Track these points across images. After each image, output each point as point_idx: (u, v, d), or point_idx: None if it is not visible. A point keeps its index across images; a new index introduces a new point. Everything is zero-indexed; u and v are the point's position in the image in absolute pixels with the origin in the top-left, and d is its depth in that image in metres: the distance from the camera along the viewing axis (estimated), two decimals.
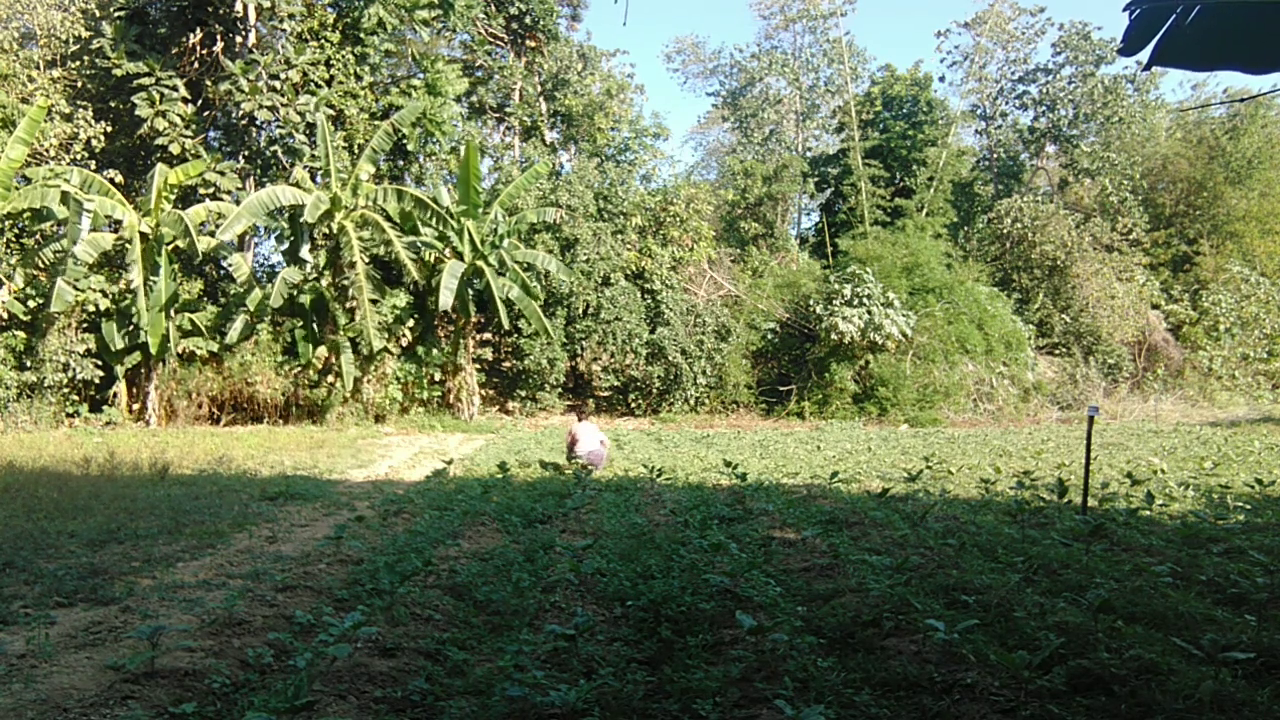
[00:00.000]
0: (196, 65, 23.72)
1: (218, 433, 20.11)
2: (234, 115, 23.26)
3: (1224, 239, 34.43)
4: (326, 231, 22.72)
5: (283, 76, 22.51)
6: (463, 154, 23.40)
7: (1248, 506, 9.63)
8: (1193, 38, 2.13)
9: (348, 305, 22.44)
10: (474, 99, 32.39)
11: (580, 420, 14.61)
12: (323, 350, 22.60)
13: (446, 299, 22.16)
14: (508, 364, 28.18)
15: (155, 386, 21.59)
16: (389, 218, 23.26)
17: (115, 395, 21.43)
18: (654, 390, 27.62)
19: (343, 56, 23.92)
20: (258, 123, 23.34)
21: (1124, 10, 2.32)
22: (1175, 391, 29.92)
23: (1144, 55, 2.22)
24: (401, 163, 26.19)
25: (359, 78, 24.39)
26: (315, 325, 22.69)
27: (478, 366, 26.88)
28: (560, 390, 28.09)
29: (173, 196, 21.70)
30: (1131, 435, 20.57)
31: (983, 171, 39.42)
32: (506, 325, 24.15)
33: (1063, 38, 37.24)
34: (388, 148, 23.40)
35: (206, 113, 24.08)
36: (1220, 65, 2.18)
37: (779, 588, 6.12)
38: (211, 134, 24.97)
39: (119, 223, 20.79)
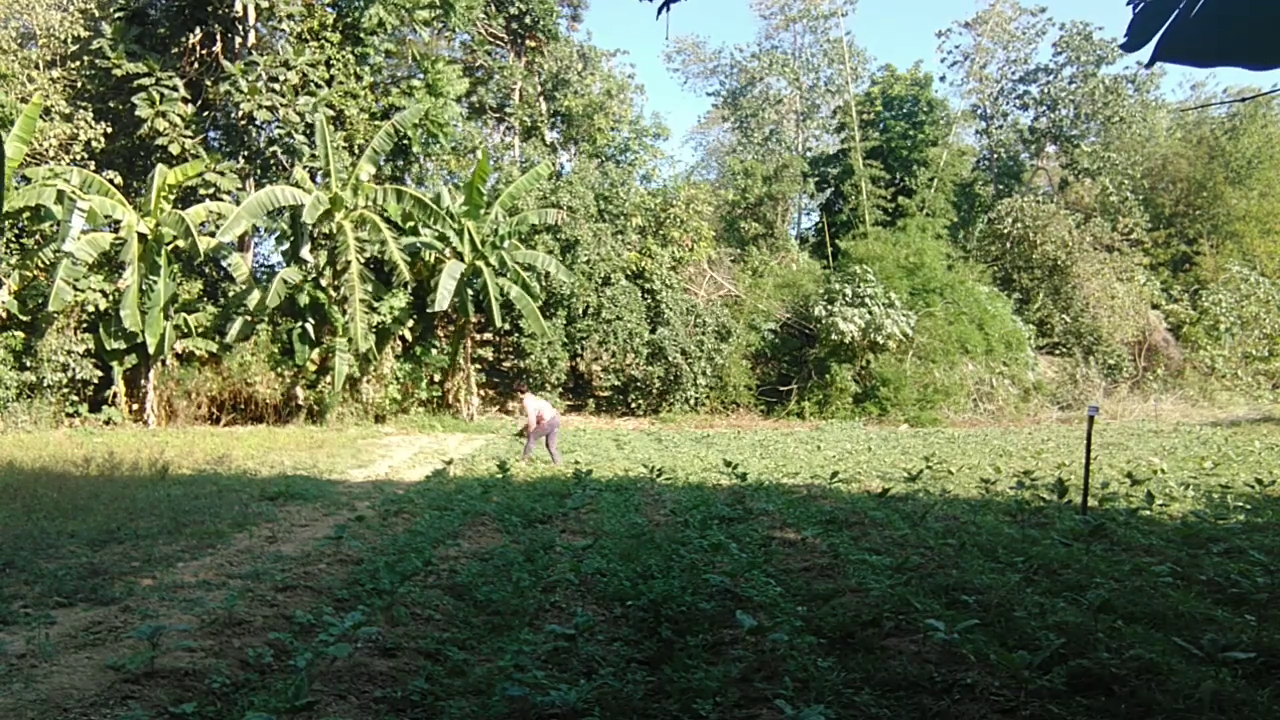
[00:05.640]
0: (196, 65, 23.70)
1: (217, 433, 20.10)
2: (233, 115, 23.25)
3: (1224, 239, 34.44)
4: (326, 232, 22.72)
5: (282, 77, 22.50)
6: (472, 157, 23.49)
7: (1248, 506, 9.62)
8: (1196, 32, 2.11)
9: (345, 306, 22.43)
10: (474, 99, 32.38)
11: (529, 394, 16.07)
12: (317, 351, 22.56)
13: (444, 299, 22.16)
14: (508, 364, 28.19)
15: (154, 387, 21.58)
16: (389, 218, 23.25)
17: (114, 395, 21.42)
18: (654, 390, 27.62)
19: (343, 57, 23.90)
20: (257, 123, 23.33)
21: (1127, 4, 2.31)
22: (1175, 391, 29.92)
23: (1147, 51, 2.21)
24: (402, 163, 26.18)
25: (359, 78, 24.37)
26: (313, 326, 22.68)
27: (478, 366, 26.88)
28: (561, 390, 28.10)
29: (172, 197, 21.69)
30: (1131, 435, 20.57)
31: (983, 171, 39.42)
32: (499, 324, 24.13)
33: (1063, 38, 37.27)
34: (388, 148, 23.38)
35: (206, 113, 24.07)
36: (1224, 61, 2.16)
37: (779, 588, 6.12)
38: (211, 134, 24.95)
39: (119, 223, 20.79)
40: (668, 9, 3.24)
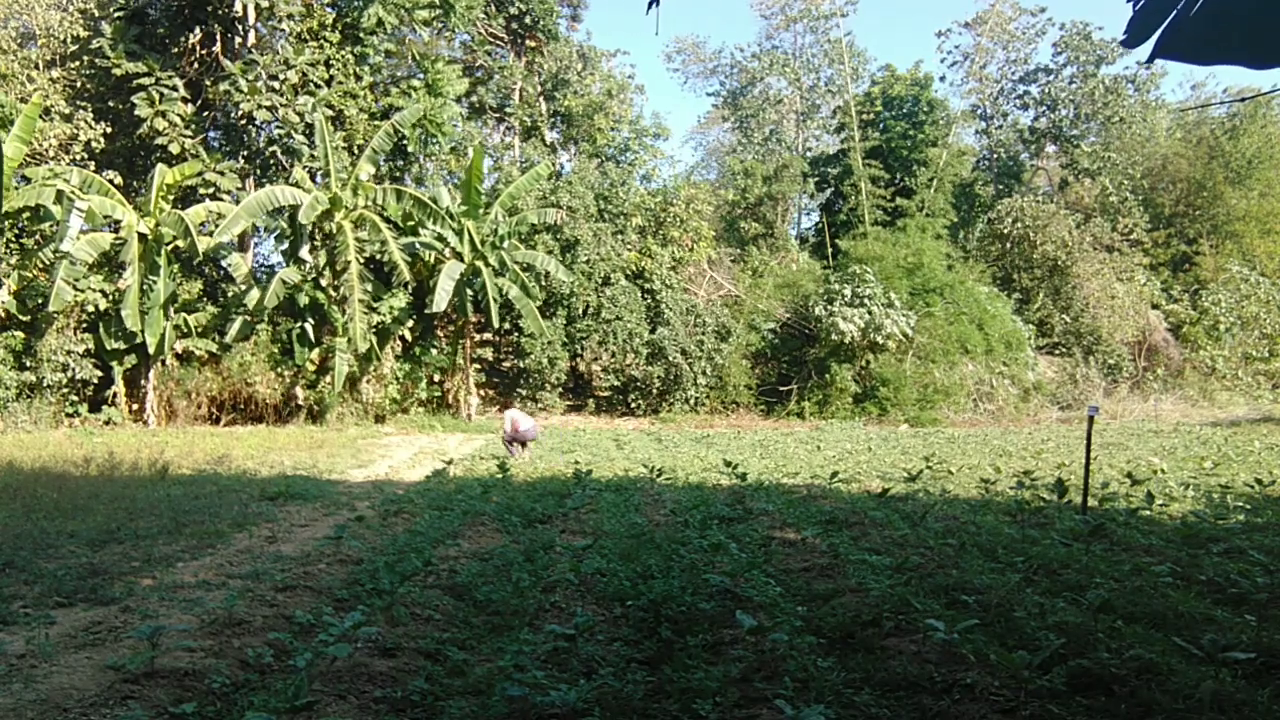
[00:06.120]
0: (196, 65, 23.70)
1: (217, 433, 20.10)
2: (233, 115, 23.25)
3: (1224, 239, 34.43)
4: (326, 231, 22.72)
5: (281, 77, 22.49)
6: (469, 156, 23.49)
7: (1248, 506, 9.61)
8: (1196, 30, 2.11)
9: (344, 306, 22.42)
10: (474, 99, 32.38)
11: (512, 407, 18.05)
12: (317, 352, 22.56)
13: (442, 300, 22.16)
14: (508, 364, 28.19)
15: (154, 387, 21.58)
16: (388, 218, 23.25)
17: (114, 395, 21.41)
18: (654, 390, 27.61)
19: (342, 57, 23.90)
20: (257, 123, 23.33)
21: (1127, 1, 2.31)
22: (1175, 391, 29.92)
23: (1147, 48, 2.21)
24: (402, 163, 26.18)
25: (359, 78, 24.37)
26: (312, 326, 22.69)
27: (477, 366, 26.88)
28: (560, 390, 28.10)
29: (172, 197, 21.68)
30: (1131, 435, 20.57)
31: (983, 171, 39.41)
32: (498, 324, 24.14)
33: (1063, 38, 37.26)
34: (388, 148, 23.38)
35: (206, 113, 24.06)
36: (1224, 59, 2.16)
37: (779, 588, 6.12)
38: (211, 134, 24.96)
39: (118, 223, 20.79)
40: (656, 4, 3.25)
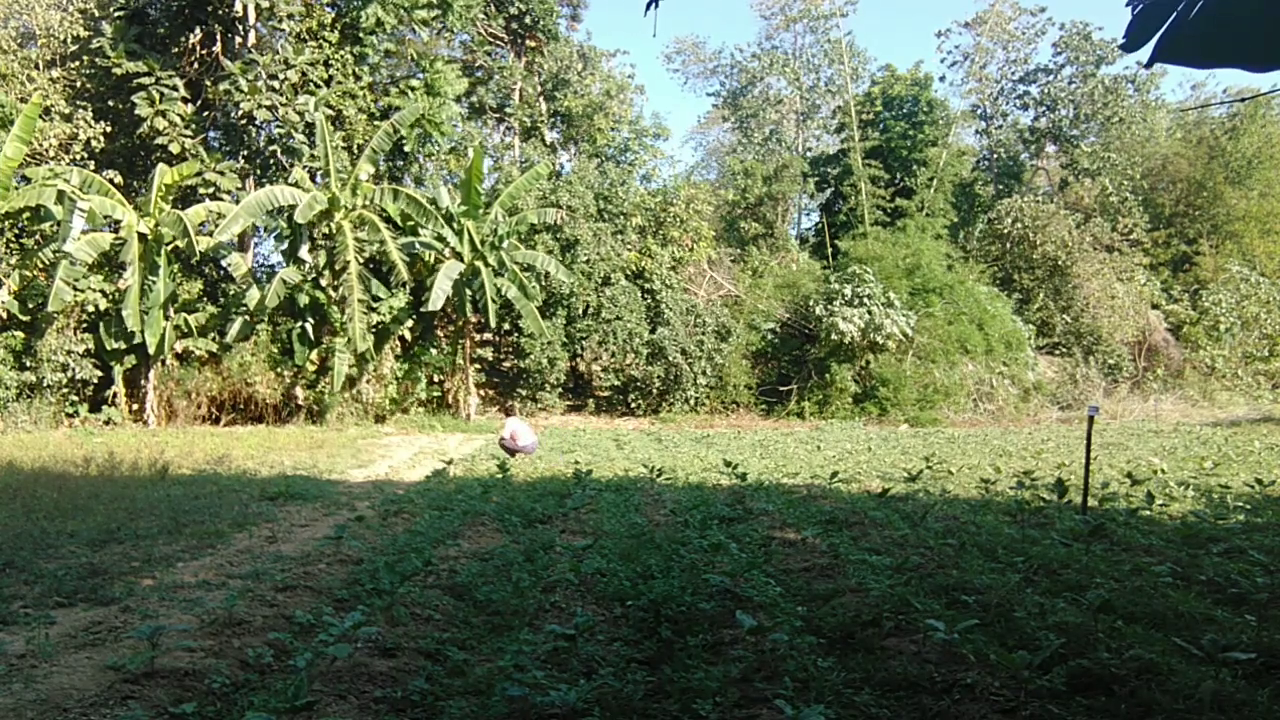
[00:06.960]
0: (196, 65, 23.69)
1: (217, 433, 20.10)
2: (233, 115, 23.25)
3: (1224, 239, 34.44)
4: (326, 232, 22.72)
5: (281, 76, 22.48)
6: (469, 156, 23.49)
7: (1248, 506, 9.62)
8: (1195, 34, 2.11)
9: (344, 306, 22.41)
10: (474, 99, 32.38)
11: (514, 415, 17.36)
12: (317, 352, 22.54)
13: (438, 299, 22.14)
14: (508, 364, 28.19)
15: (154, 387, 21.57)
16: (388, 218, 23.24)
17: (114, 395, 21.41)
18: (654, 390, 27.62)
19: (341, 57, 23.89)
20: (257, 123, 23.32)
21: (1126, 5, 2.31)
22: (1175, 391, 29.92)
23: (1146, 52, 2.21)
24: (401, 163, 26.17)
25: (358, 78, 24.36)
26: (312, 326, 22.68)
27: (477, 366, 26.88)
28: (560, 390, 28.10)
29: (172, 197, 21.68)
30: (1131, 435, 20.57)
31: (983, 171, 39.41)
32: (495, 325, 24.12)
33: (1063, 38, 37.28)
34: (387, 148, 23.37)
35: (206, 113, 24.06)
36: (1223, 63, 2.16)
37: (779, 588, 6.12)
38: (211, 134, 24.95)
39: (118, 223, 20.79)
40: (655, 5, 3.28)
